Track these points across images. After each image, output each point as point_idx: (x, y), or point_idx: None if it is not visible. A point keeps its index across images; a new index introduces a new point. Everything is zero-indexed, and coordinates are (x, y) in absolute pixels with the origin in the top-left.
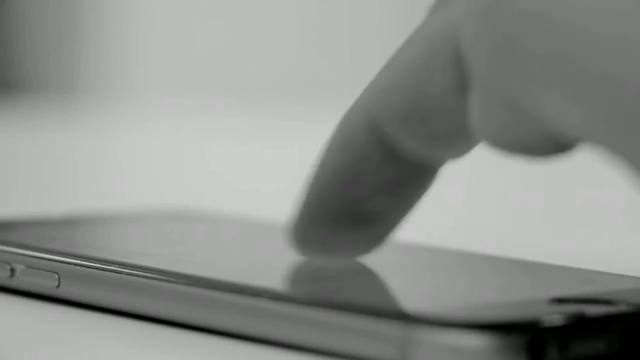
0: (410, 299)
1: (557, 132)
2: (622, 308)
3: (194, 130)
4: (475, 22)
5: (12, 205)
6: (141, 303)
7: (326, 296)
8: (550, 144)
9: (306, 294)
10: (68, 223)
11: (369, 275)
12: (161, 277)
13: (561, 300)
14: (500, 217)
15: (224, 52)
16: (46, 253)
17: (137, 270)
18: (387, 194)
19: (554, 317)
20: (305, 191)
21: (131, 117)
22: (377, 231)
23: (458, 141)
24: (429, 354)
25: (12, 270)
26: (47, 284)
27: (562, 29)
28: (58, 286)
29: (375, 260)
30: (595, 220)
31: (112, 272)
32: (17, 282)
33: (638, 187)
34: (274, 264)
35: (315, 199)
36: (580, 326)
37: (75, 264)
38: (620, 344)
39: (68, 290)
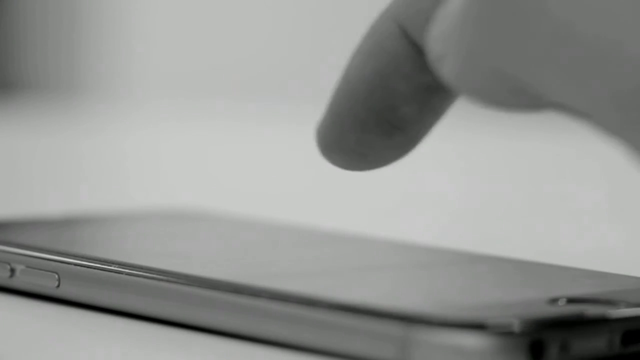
0: (410, 298)
1: (550, 102)
2: (622, 308)
3: (194, 130)
4: None
5: (12, 205)
6: (141, 303)
7: (326, 296)
8: (531, 108)
9: (306, 294)
10: (68, 223)
11: (369, 275)
12: (161, 277)
13: (561, 300)
14: (500, 217)
15: (225, 52)
16: (46, 253)
17: (137, 270)
18: (417, 102)
19: (554, 317)
20: (332, 97)
21: (131, 117)
22: (406, 138)
23: None
24: (429, 354)
25: (12, 270)
26: (47, 284)
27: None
28: (58, 286)
29: (375, 259)
30: (592, 218)
31: (112, 272)
32: (17, 282)
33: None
34: (273, 263)
35: (343, 106)
36: (580, 326)
37: (75, 264)
38: (620, 344)
39: (68, 290)
